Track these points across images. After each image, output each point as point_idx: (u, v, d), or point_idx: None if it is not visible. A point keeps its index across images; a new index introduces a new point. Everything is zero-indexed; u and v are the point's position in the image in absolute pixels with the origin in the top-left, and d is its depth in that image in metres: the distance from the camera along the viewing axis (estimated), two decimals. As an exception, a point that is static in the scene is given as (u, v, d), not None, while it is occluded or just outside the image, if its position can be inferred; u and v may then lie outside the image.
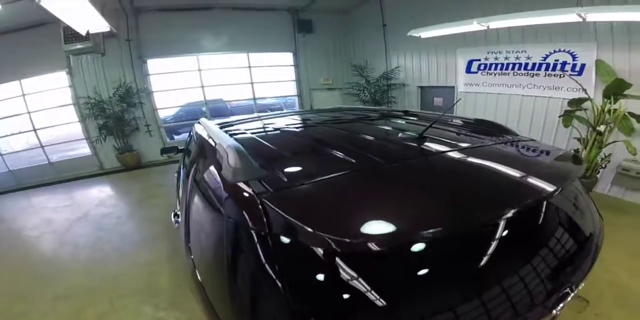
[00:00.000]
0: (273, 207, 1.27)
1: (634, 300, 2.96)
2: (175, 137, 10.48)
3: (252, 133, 2.74)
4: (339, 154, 1.89)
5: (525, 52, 6.30)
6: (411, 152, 1.98)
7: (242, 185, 1.46)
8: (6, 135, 8.60)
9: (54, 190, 7.72)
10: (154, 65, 9.15)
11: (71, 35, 6.50)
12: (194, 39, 9.18)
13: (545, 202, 1.56)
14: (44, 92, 8.33)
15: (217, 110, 10.67)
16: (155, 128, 9.37)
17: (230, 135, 2.50)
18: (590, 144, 5.05)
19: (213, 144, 2.06)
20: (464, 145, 2.07)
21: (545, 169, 1.80)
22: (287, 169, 1.70)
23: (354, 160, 1.77)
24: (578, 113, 5.36)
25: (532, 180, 1.55)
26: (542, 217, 1.56)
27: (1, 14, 5.22)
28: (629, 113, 4.74)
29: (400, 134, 2.43)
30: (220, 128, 2.87)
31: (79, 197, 7.13)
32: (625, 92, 4.63)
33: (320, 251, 1.17)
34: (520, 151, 2.11)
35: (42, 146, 8.55)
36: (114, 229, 5.22)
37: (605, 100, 4.85)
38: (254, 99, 10.73)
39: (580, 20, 4.60)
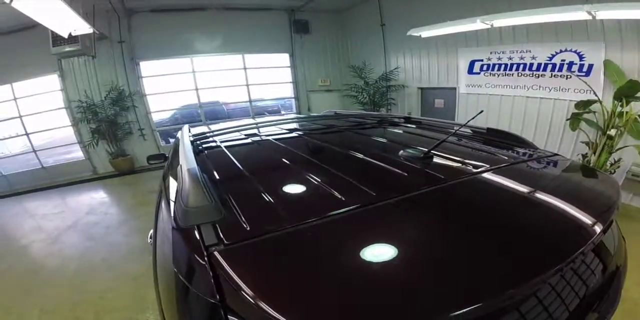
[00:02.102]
0: (225, 267, 0.93)
1: None
2: (171, 140, 10.17)
3: (227, 147, 2.37)
4: (326, 186, 1.48)
5: (530, 51, 6.01)
6: (416, 181, 1.54)
7: (190, 231, 1.12)
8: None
9: (47, 195, 7.47)
10: (147, 67, 8.82)
11: (59, 37, 6.17)
12: (187, 41, 8.88)
13: (597, 241, 1.17)
14: (36, 95, 8.03)
15: (214, 112, 10.37)
16: (149, 132, 9.06)
17: (202, 149, 2.21)
18: (600, 149, 4.77)
19: (178, 163, 1.66)
20: (483, 167, 1.67)
21: (592, 200, 1.45)
22: (255, 207, 1.34)
23: (343, 197, 1.34)
24: (586, 116, 5.07)
25: (584, 218, 1.21)
26: (594, 257, 1.26)
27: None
28: (640, 116, 4.48)
29: (402, 152, 1.89)
30: (196, 139, 2.56)
31: (71, 203, 6.84)
32: (638, 94, 4.34)
33: None
34: (554, 174, 1.75)
35: (34, 150, 8.25)
36: (103, 240, 4.95)
37: (616, 102, 4.56)
38: (250, 101, 10.41)
39: (590, 18, 4.35)
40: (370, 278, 0.90)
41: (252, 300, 0.81)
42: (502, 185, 1.52)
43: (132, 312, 3.27)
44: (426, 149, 1.81)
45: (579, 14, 4.36)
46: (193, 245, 1.06)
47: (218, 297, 0.89)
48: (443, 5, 7.16)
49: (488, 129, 2.40)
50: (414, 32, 6.51)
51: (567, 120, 5.39)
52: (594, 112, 4.98)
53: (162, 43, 8.58)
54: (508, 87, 6.50)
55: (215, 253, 0.99)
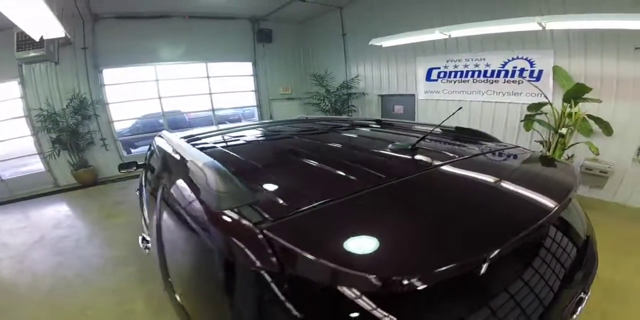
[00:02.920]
0: (280, 239, 1.03)
1: (621, 292, 2.98)
2: (133, 150, 9.71)
3: (225, 147, 2.39)
4: (336, 172, 1.64)
5: (484, 59, 6.38)
6: (411, 166, 1.79)
7: (231, 214, 1.18)
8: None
9: (7, 210, 6.84)
10: (109, 75, 8.41)
11: (24, 41, 5.85)
12: (151, 48, 8.60)
13: (559, 215, 1.38)
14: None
15: (175, 122, 10.06)
16: (112, 141, 8.59)
17: (199, 149, 2.19)
18: (553, 146, 5.10)
19: (183, 162, 1.73)
20: (459, 156, 1.90)
21: (553, 181, 1.70)
22: (280, 191, 1.43)
23: (354, 178, 1.54)
24: (538, 117, 5.44)
25: (544, 195, 1.42)
26: (556, 229, 1.47)
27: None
28: (588, 115, 4.85)
29: (390, 146, 2.12)
30: (187, 142, 2.51)
31: (35, 217, 6.33)
32: (585, 96, 4.71)
33: (351, 291, 0.93)
34: (517, 161, 2.01)
35: None
36: (74, 253, 4.60)
37: (565, 104, 4.93)
38: (213, 110, 10.19)
39: (540, 28, 4.70)
40: (389, 236, 1.11)
41: (308, 261, 0.94)
42: (479, 169, 1.76)
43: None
44: (411, 143, 2.05)
45: (530, 25, 4.72)
46: (241, 225, 1.12)
47: (279, 266, 0.98)
48: (402, 16, 7.46)
49: (456, 127, 2.64)
50: (376, 42, 6.70)
51: (521, 121, 5.74)
52: (545, 113, 5.34)
53: (126, 50, 8.24)
54: (464, 92, 6.84)
55: (266, 229, 1.06)
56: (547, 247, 1.35)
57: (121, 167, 4.39)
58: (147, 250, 2.38)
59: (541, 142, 5.38)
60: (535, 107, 5.42)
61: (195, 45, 9.14)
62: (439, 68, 7.18)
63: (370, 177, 1.56)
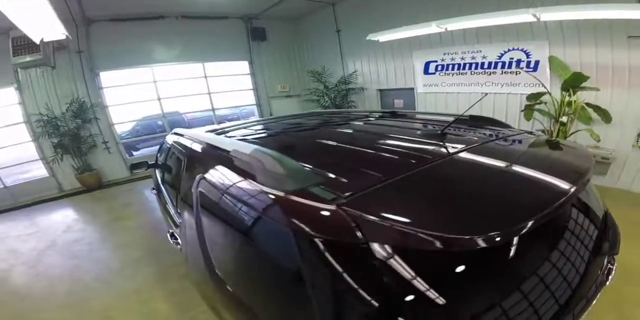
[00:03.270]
0: (362, 213, 1.08)
1: (635, 274, 3.07)
2: (135, 153, 9.68)
3: (256, 139, 2.43)
4: (383, 154, 1.76)
5: (481, 51, 6.42)
6: (446, 149, 1.84)
7: (305, 193, 1.22)
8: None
9: (13, 217, 6.76)
10: (107, 77, 8.32)
11: (20, 46, 5.76)
12: (147, 50, 8.53)
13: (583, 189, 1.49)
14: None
15: (175, 123, 9.88)
16: (114, 144, 8.54)
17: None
18: (555, 135, 5.19)
19: (224, 153, 1.78)
20: (484, 140, 2.02)
21: (573, 160, 1.78)
22: (337, 172, 1.46)
23: (399, 158, 1.67)
24: (538, 106, 5.51)
25: (570, 171, 1.56)
26: (582, 202, 1.58)
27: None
28: (586, 104, 4.92)
29: (419, 132, 2.26)
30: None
31: (43, 223, 6.26)
32: (583, 84, 4.80)
33: (435, 252, 1.03)
34: (536, 144, 2.10)
35: None
36: (88, 257, 4.57)
37: (564, 93, 5.01)
38: (213, 109, 10.14)
39: (535, 20, 4.75)
40: (454, 204, 1.24)
41: (394, 230, 1.03)
42: (506, 150, 1.91)
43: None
44: (440, 129, 2.13)
45: (525, 17, 4.74)
46: (319, 203, 1.15)
47: (362, 237, 1.02)
48: (396, 10, 7.46)
49: (470, 116, 2.66)
50: (373, 37, 6.68)
51: (521, 111, 5.80)
52: (545, 102, 5.40)
53: (122, 53, 8.16)
54: (463, 84, 6.87)
55: (344, 205, 1.12)
56: (576, 219, 1.46)
57: (133, 167, 4.38)
58: (178, 246, 2.39)
59: (542, 131, 5.45)
60: (535, 97, 5.47)
61: (190, 45, 9.08)
62: (436, 61, 7.21)
63: (413, 157, 1.64)
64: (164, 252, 4.35)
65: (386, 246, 1.02)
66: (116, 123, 8.67)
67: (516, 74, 5.99)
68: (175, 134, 3.11)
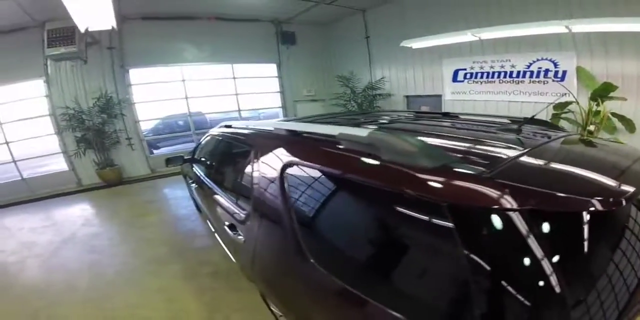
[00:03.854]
0: (514, 183, 1.13)
1: None
2: (155, 151, 9.62)
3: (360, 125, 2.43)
4: (480, 140, 1.77)
5: (510, 61, 6.35)
6: (532, 140, 1.88)
7: (451, 169, 1.25)
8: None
9: (29, 209, 6.73)
10: (136, 75, 8.35)
11: (55, 38, 5.83)
12: (177, 49, 8.55)
13: None
14: (17, 101, 7.37)
15: (197, 123, 9.93)
16: (137, 141, 8.52)
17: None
18: (583, 143, 5.07)
19: (321, 137, 1.80)
20: (553, 136, 2.01)
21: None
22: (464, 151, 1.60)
23: (501, 144, 1.67)
24: (565, 115, 5.46)
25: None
26: None
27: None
28: (612, 113, 4.93)
29: (499, 126, 2.29)
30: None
31: (60, 216, 6.20)
32: (611, 94, 4.81)
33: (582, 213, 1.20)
34: (595, 141, 2.09)
35: (14, 161, 7.47)
36: (109, 252, 4.44)
37: (592, 102, 5.00)
38: (239, 110, 10.12)
39: (567, 31, 4.81)
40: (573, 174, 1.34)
41: (545, 195, 1.10)
42: (580, 144, 1.99)
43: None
44: (518, 125, 2.20)
45: (557, 28, 4.85)
46: (469, 176, 1.20)
47: (519, 204, 1.08)
48: (426, 20, 7.47)
49: (524, 118, 2.60)
50: (407, 44, 6.71)
51: (549, 120, 5.67)
52: (572, 111, 5.34)
53: (153, 51, 8.20)
54: (491, 93, 6.80)
55: (495, 178, 1.17)
56: None
57: (168, 161, 4.45)
58: (240, 237, 2.38)
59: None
60: (562, 106, 5.43)
61: (220, 46, 9.08)
62: (465, 69, 7.15)
63: (511, 142, 1.69)
64: (188, 250, 4.28)
65: (539, 210, 1.09)
66: (141, 120, 8.68)
67: (544, 84, 5.92)
68: (229, 126, 3.18)
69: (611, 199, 1.09)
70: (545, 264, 1.06)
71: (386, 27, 8.62)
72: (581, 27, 4.67)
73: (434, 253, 1.29)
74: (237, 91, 9.91)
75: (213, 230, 3.68)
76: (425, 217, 1.26)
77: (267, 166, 2.09)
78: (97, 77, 7.72)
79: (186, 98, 9.16)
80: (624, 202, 1.08)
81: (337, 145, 1.65)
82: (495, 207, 1.10)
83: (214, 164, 3.55)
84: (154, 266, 3.98)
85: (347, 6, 8.43)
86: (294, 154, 1.93)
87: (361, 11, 9.02)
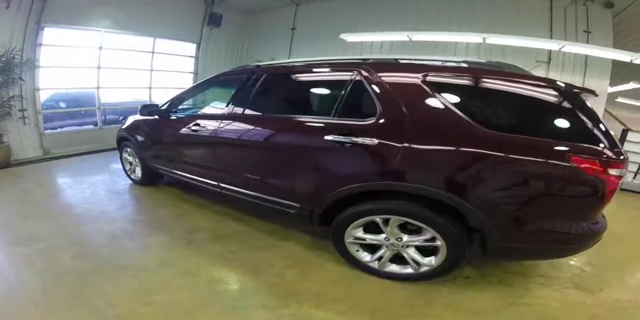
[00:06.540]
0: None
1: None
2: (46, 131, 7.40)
3: None
4: None
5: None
6: None
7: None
8: None
9: None
10: (49, 35, 6.68)
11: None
12: (101, 13, 7.19)
13: None
14: None
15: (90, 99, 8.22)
16: (33, 113, 6.78)
17: None
18: None
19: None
20: None
21: None
22: None
23: None
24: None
25: None
26: None
27: None
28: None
29: None
30: None
31: None
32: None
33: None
34: None
35: None
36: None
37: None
38: (150, 87, 8.97)
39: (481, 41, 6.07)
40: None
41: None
42: None
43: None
44: None
45: (475, 38, 6.14)
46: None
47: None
48: (358, 19, 8.26)
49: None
50: (344, 37, 7.22)
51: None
52: None
53: (75, 9, 6.73)
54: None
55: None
56: None
57: (143, 109, 4.29)
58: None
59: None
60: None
61: (145, 17, 8.01)
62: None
63: None
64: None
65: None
66: (42, 88, 6.93)
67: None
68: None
69: None
70: None
71: (316, 22, 9.04)
72: (494, 39, 5.90)
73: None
74: (153, 67, 8.86)
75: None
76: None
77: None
78: (5, 32, 6.01)
79: (98, 68, 7.68)
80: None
81: None
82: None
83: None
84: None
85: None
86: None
87: (295, 5, 9.26)
